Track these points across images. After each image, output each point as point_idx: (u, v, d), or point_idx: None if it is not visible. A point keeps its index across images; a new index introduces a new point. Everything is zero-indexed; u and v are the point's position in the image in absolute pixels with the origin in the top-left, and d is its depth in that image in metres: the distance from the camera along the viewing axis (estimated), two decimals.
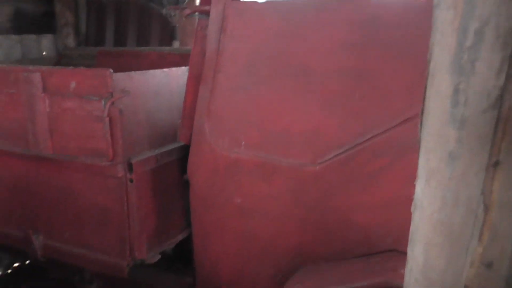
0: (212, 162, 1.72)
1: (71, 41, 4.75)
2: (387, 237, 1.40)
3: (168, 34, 4.34)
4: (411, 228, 0.68)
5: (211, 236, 1.81)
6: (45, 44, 4.76)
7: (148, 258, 1.98)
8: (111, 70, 1.73)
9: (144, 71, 1.96)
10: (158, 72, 2.03)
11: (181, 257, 2.27)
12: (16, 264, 4.25)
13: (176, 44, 4.21)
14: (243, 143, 1.64)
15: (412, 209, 0.69)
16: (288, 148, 1.54)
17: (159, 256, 2.03)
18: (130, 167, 1.82)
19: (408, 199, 1.33)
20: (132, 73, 1.89)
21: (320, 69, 1.47)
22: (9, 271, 4.17)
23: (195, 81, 1.80)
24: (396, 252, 1.38)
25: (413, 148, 1.32)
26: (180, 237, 2.17)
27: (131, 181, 1.83)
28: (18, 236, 2.22)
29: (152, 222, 1.97)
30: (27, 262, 4.31)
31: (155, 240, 2.01)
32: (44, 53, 4.67)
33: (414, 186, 1.22)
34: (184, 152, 1.95)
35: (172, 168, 2.04)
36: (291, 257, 1.59)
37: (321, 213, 1.50)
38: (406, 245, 1.34)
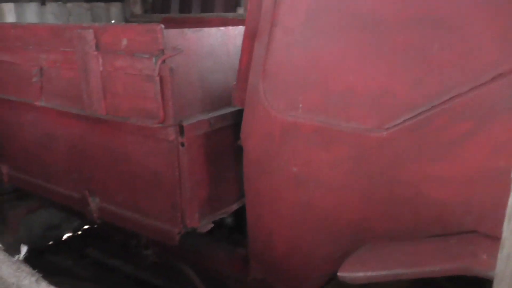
0: (266, 126, 1.58)
1: (138, 9, 4.80)
2: (467, 216, 1.19)
3: (233, 1, 4.26)
4: (510, 203, 0.49)
5: (265, 205, 1.67)
6: (114, 12, 4.83)
7: (200, 227, 1.90)
8: (162, 26, 1.62)
9: (198, 29, 1.84)
10: (213, 31, 1.90)
11: (241, 228, 2.16)
12: (85, 227, 4.44)
13: (240, 10, 4.10)
14: (300, 105, 1.47)
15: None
16: (351, 111, 1.36)
17: (212, 225, 1.94)
18: (181, 130, 1.72)
19: (495, 172, 1.12)
20: (185, 30, 1.77)
21: (391, 18, 1.26)
22: (78, 233, 4.38)
23: (251, 39, 1.65)
24: (477, 234, 1.16)
25: (505, 110, 1.10)
26: (234, 206, 2.07)
27: (183, 145, 1.73)
28: (76, 197, 2.23)
29: (204, 189, 1.88)
30: (95, 226, 4.50)
31: (208, 208, 1.92)
32: (112, 21, 4.74)
33: (504, 156, 1.01)
34: (239, 118, 1.81)
35: (227, 134, 1.92)
36: (352, 233, 1.42)
37: (388, 185, 1.31)
38: (489, 227, 1.14)
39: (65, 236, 4.25)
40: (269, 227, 1.69)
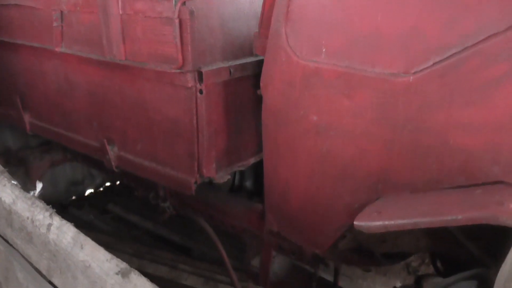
0: (288, 72, 1.52)
1: None
2: (494, 166, 1.12)
3: None
4: None
5: (283, 156, 1.63)
6: None
7: (217, 178, 1.88)
8: None
9: None
10: None
11: (261, 192, 2.13)
12: (107, 184, 4.53)
13: None
14: (324, 50, 1.40)
15: None
16: (377, 54, 1.28)
17: (228, 177, 1.91)
18: (200, 77, 1.68)
19: None
20: None
21: None
22: (100, 189, 4.47)
23: None
24: (505, 184, 1.10)
25: None
26: (252, 160, 2.04)
27: (201, 92, 1.69)
28: (95, 146, 2.23)
29: (222, 139, 1.84)
30: (117, 183, 4.59)
31: (225, 160, 1.89)
32: None
33: None
34: (260, 68, 1.76)
35: (247, 84, 1.87)
36: (372, 184, 1.37)
37: (412, 133, 1.24)
38: None
39: (87, 192, 4.35)
40: (286, 178, 1.65)
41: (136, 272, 1.04)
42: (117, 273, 1.04)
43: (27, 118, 2.62)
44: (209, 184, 2.36)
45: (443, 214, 1.09)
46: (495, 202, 1.03)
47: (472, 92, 1.12)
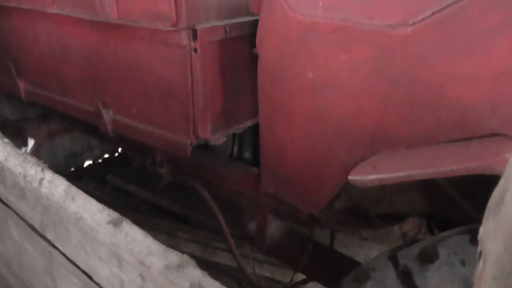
0: (283, 28, 1.48)
1: None
2: (491, 118, 1.10)
3: None
4: None
5: (278, 115, 1.61)
6: None
7: (213, 140, 1.86)
8: None
9: None
10: None
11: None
12: (106, 155, 4.53)
13: None
14: (320, 3, 1.37)
15: None
16: (374, 6, 1.25)
17: (224, 139, 1.90)
18: (194, 35, 1.64)
19: None
20: None
21: None
22: (99, 161, 4.47)
23: None
24: (502, 136, 1.08)
25: None
26: (249, 122, 2.02)
27: (195, 50, 1.66)
28: (90, 110, 2.21)
29: (218, 100, 1.82)
30: (115, 154, 4.59)
31: (221, 121, 1.87)
32: None
33: None
34: (257, 28, 1.72)
35: (243, 44, 1.83)
36: (368, 141, 1.36)
37: (409, 87, 1.22)
38: None
39: (86, 164, 4.35)
40: (282, 138, 1.64)
41: (128, 221, 1.04)
42: (108, 223, 1.04)
43: (21, 84, 2.60)
44: (206, 150, 2.36)
45: (438, 166, 1.08)
46: (491, 152, 1.01)
47: (471, 42, 1.10)
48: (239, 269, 2.34)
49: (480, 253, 0.52)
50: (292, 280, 2.29)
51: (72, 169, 4.21)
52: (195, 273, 0.89)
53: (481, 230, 0.52)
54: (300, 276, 2.33)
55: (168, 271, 0.89)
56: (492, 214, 0.49)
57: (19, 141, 3.34)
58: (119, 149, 4.40)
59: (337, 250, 2.22)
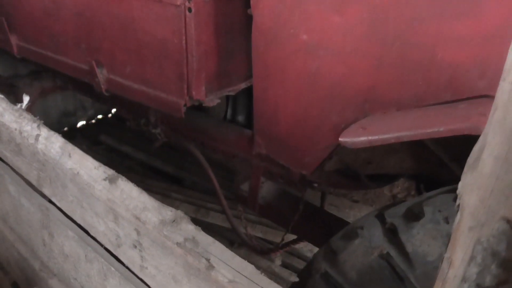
0: None
1: None
2: (480, 80, 1.12)
3: None
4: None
5: (272, 78, 1.62)
6: None
7: (207, 101, 1.86)
8: None
9: None
10: None
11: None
12: (99, 116, 4.52)
13: None
14: None
15: None
16: None
17: (218, 101, 1.91)
18: None
19: None
20: None
21: None
22: (93, 121, 4.46)
23: None
24: (489, 97, 1.10)
25: None
26: (243, 85, 2.02)
27: (190, 10, 1.65)
28: (84, 69, 2.20)
29: (212, 61, 1.82)
30: (109, 115, 4.57)
31: (215, 83, 1.87)
32: None
33: None
34: None
35: (238, 4, 1.81)
36: (360, 103, 1.38)
37: (401, 49, 1.23)
38: None
39: (79, 124, 4.34)
40: (275, 100, 1.65)
41: (124, 178, 1.06)
42: (104, 179, 1.06)
43: (14, 40, 2.56)
44: (200, 111, 2.37)
45: (426, 127, 1.10)
46: (477, 113, 1.04)
47: (462, 3, 1.10)
48: (231, 230, 2.39)
49: (458, 206, 0.55)
50: (283, 239, 2.36)
51: (66, 128, 4.21)
52: (189, 228, 0.92)
53: (460, 184, 0.55)
54: (291, 237, 2.41)
55: (163, 226, 0.93)
56: (470, 170, 0.52)
57: (11, 98, 3.31)
58: (113, 110, 4.39)
59: (328, 211, 2.27)
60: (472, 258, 0.52)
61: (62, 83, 3.21)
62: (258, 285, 0.77)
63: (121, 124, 4.17)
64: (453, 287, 0.56)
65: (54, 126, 3.95)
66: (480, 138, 0.52)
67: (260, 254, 2.47)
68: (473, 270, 0.53)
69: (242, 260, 0.82)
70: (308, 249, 2.92)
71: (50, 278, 1.51)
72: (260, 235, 3.05)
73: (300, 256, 2.93)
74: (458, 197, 0.55)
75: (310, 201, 2.22)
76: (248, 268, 0.80)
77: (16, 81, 3.40)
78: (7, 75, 3.51)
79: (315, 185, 1.93)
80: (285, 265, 2.88)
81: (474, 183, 0.51)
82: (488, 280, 0.52)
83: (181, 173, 3.65)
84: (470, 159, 0.53)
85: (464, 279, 0.54)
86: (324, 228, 2.09)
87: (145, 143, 3.82)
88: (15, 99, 3.30)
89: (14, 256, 1.73)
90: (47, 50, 2.37)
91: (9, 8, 2.48)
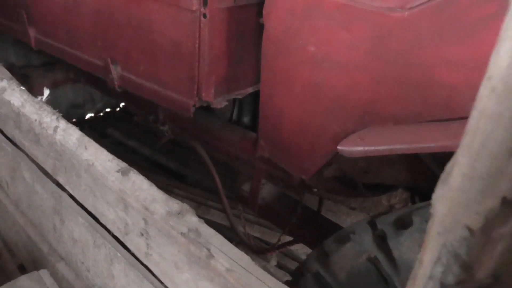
0: (290, 2, 1.56)
1: None
2: (472, 102, 1.19)
3: None
4: (507, 19, 0.51)
5: (279, 85, 1.71)
6: None
7: (215, 103, 1.95)
8: None
9: None
10: None
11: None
12: (107, 109, 4.60)
13: None
14: None
15: None
16: None
17: (226, 103, 1.99)
18: (204, 1, 1.71)
19: None
20: None
21: None
22: (101, 114, 4.54)
23: None
24: None
25: None
26: (250, 89, 2.11)
27: (205, 16, 1.73)
28: (99, 64, 2.29)
29: (223, 66, 1.90)
30: (117, 109, 4.65)
31: (224, 86, 1.96)
32: None
33: None
34: None
35: (251, 13, 1.90)
36: (360, 115, 1.46)
37: (401, 68, 1.31)
38: None
39: (87, 116, 4.42)
40: (281, 106, 1.74)
41: (135, 171, 1.15)
42: (118, 171, 1.15)
43: (32, 33, 2.66)
44: (207, 112, 2.45)
45: (419, 142, 1.18)
46: None
47: (461, 30, 1.18)
48: (230, 228, 2.47)
49: (431, 213, 0.63)
50: (279, 240, 2.44)
51: (74, 120, 4.29)
52: (193, 220, 1.01)
53: (433, 195, 0.63)
54: (288, 239, 2.49)
55: (170, 217, 1.01)
56: (442, 183, 0.60)
57: (24, 88, 3.42)
58: (121, 104, 4.47)
59: (324, 216, 2.35)
60: (438, 259, 0.60)
61: (74, 76, 3.31)
62: (253, 274, 0.85)
63: (129, 119, 4.26)
64: (421, 284, 0.64)
65: (63, 117, 4.03)
66: (453, 157, 0.60)
67: (257, 253, 2.54)
68: (438, 270, 0.61)
69: (240, 251, 0.90)
70: (303, 251, 3.00)
71: (57, 262, 1.60)
72: (257, 235, 3.14)
73: (295, 258, 3.00)
74: (431, 206, 0.63)
75: (308, 205, 2.30)
76: (244, 258, 0.88)
77: (29, 71, 3.49)
78: (20, 64, 3.59)
79: (314, 190, 2.01)
80: (280, 266, 2.95)
81: (444, 195, 0.59)
82: (450, 279, 0.60)
83: (184, 170, 3.73)
84: (444, 175, 0.61)
85: (430, 277, 0.62)
86: (320, 232, 2.17)
87: (151, 138, 3.91)
88: (29, 89, 3.39)
89: (23, 239, 1.82)
90: (64, 44, 2.47)
91: (29, 1, 2.58)
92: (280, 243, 2.46)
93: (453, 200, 0.57)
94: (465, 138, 0.57)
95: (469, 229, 0.57)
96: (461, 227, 0.57)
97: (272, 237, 3.04)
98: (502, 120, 0.52)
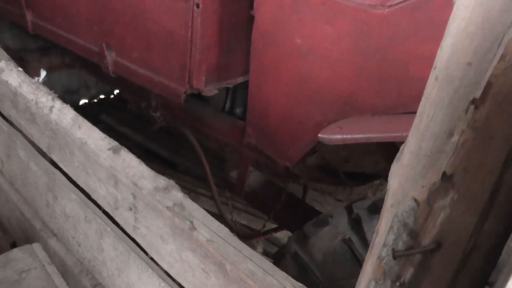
0: None
1: None
2: None
3: None
4: (451, 18, 0.59)
5: (266, 75, 1.78)
6: None
7: (206, 91, 2.02)
8: None
9: None
10: None
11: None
12: (101, 96, 4.64)
13: None
14: None
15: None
16: None
17: (216, 91, 2.06)
18: None
19: None
20: None
21: None
22: (95, 100, 4.58)
23: None
24: None
25: None
26: (240, 79, 2.18)
27: (198, 6, 1.80)
28: (94, 50, 2.35)
29: (213, 54, 1.97)
30: (111, 96, 4.70)
31: (215, 74, 2.03)
32: None
33: None
34: None
35: (242, 5, 1.97)
36: (341, 106, 1.54)
37: (379, 62, 1.40)
38: None
39: (81, 102, 4.46)
40: (268, 96, 1.81)
41: (126, 149, 1.22)
42: (109, 149, 1.22)
43: (29, 16, 2.70)
44: (200, 100, 2.52)
45: (392, 131, 1.27)
46: None
47: (434, 28, 1.27)
48: (219, 215, 2.55)
49: (387, 189, 0.71)
50: (264, 226, 2.53)
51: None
52: (178, 195, 1.09)
53: (389, 172, 0.71)
54: (274, 226, 2.58)
55: (157, 192, 1.09)
56: (396, 161, 0.69)
57: None
58: (115, 91, 4.52)
59: (308, 204, 2.44)
60: (391, 228, 0.69)
61: (70, 61, 3.36)
62: (231, 244, 0.93)
63: (122, 106, 4.31)
64: (377, 251, 0.72)
65: None
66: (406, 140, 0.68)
67: (243, 239, 2.62)
68: (391, 238, 0.69)
69: (220, 224, 0.98)
70: None
71: (49, 238, 1.67)
72: (244, 222, 3.22)
73: (280, 246, 3.09)
74: (388, 181, 0.71)
75: (294, 193, 2.38)
76: (223, 230, 0.96)
77: (25, 54, 3.53)
78: (16, 48, 3.62)
79: (298, 178, 2.10)
80: (266, 253, 3.04)
81: (397, 171, 0.67)
82: (400, 245, 0.68)
83: (175, 158, 3.81)
84: (398, 154, 0.69)
85: (384, 245, 0.71)
86: (304, 219, 2.25)
87: (143, 126, 3.97)
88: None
89: (16, 216, 1.89)
90: (61, 29, 2.52)
91: None
92: (265, 229, 2.55)
93: (403, 175, 0.66)
94: (414, 121, 0.65)
95: (416, 201, 0.65)
96: (409, 199, 0.65)
97: (259, 224, 3.13)
98: (442, 105, 0.60)
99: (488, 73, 0.55)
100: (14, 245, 2.11)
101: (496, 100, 0.54)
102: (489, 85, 0.54)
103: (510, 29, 0.53)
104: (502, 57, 0.53)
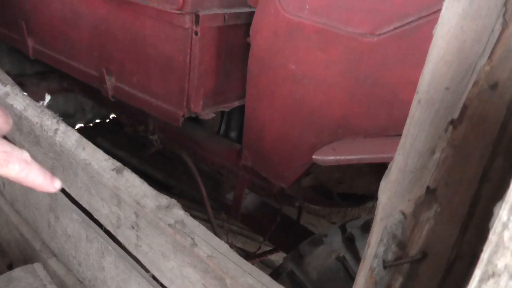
0: (274, 24, 1.72)
1: None
2: None
3: None
4: (430, 47, 0.66)
5: (262, 99, 1.85)
6: None
7: (203, 114, 2.09)
8: None
9: None
10: None
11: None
12: (97, 120, 4.70)
13: None
14: (307, 6, 1.60)
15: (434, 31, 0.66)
16: (350, 15, 1.49)
17: (213, 115, 2.13)
18: (197, 19, 1.86)
19: None
20: None
21: None
22: (91, 124, 4.64)
23: None
24: None
25: None
26: (237, 103, 2.26)
27: (196, 34, 1.88)
28: (94, 75, 2.42)
29: (211, 80, 2.05)
30: (107, 120, 4.75)
31: (212, 99, 2.10)
32: None
33: None
34: (252, 18, 1.94)
35: (239, 32, 2.06)
36: (334, 128, 1.61)
37: (370, 87, 1.47)
38: None
39: (77, 126, 4.50)
40: (263, 119, 1.88)
41: (129, 170, 1.27)
42: (113, 170, 1.27)
43: (30, 42, 2.78)
44: (196, 124, 2.59)
45: (383, 153, 1.33)
46: None
47: (421, 55, 1.35)
48: None
49: (377, 203, 0.77)
50: (259, 247, 2.56)
51: None
52: (180, 213, 1.14)
53: (379, 188, 0.77)
54: (268, 248, 2.61)
55: (159, 210, 1.14)
56: (385, 177, 0.75)
57: None
58: (111, 115, 4.58)
59: (303, 225, 2.49)
60: (381, 240, 0.74)
61: (68, 85, 3.43)
62: (231, 260, 0.98)
63: (118, 130, 4.37)
64: (369, 262, 0.77)
65: None
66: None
67: None
68: (381, 249, 0.74)
69: (220, 240, 1.03)
70: None
71: (48, 258, 1.70)
72: (240, 245, 3.25)
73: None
74: (378, 196, 0.77)
75: (288, 215, 2.43)
76: (223, 246, 1.01)
77: (23, 79, 3.60)
78: (15, 73, 3.70)
79: (293, 201, 2.15)
80: None
81: (385, 187, 0.73)
82: (389, 256, 0.74)
83: (170, 181, 3.85)
84: (387, 170, 0.75)
85: (375, 256, 0.76)
86: (299, 241, 2.30)
87: (139, 149, 4.02)
88: None
89: (15, 237, 1.91)
90: (61, 55, 2.60)
91: (29, 13, 2.71)
92: (260, 251, 2.58)
93: (391, 190, 0.72)
94: (401, 140, 0.71)
95: (403, 214, 0.71)
96: (397, 212, 0.71)
97: (254, 247, 3.15)
98: (425, 125, 0.66)
99: (464, 97, 0.61)
100: (10, 266, 2.13)
101: (471, 121, 0.60)
102: (465, 107, 0.60)
103: (481, 58, 0.59)
104: (475, 83, 0.60)
